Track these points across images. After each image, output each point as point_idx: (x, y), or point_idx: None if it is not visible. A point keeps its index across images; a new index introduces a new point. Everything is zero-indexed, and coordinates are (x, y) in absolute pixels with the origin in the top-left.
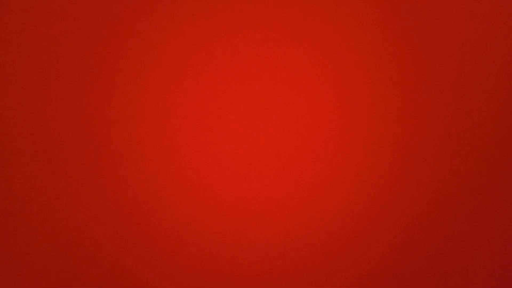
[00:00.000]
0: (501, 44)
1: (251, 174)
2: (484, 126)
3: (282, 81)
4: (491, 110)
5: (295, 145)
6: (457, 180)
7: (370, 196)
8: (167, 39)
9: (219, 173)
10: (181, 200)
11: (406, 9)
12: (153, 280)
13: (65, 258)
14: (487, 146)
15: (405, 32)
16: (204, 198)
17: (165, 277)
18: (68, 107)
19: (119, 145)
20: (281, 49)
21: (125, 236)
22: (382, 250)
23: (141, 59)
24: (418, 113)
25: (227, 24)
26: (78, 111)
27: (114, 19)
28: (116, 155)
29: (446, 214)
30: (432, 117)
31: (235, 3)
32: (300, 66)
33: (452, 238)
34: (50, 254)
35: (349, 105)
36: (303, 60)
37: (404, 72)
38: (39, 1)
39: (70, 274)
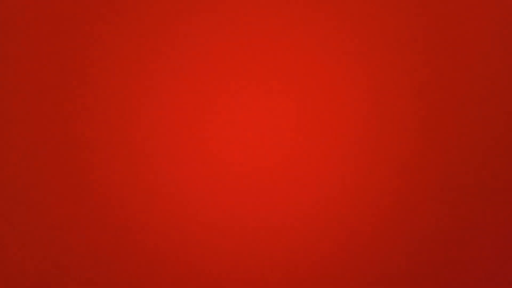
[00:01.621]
0: (506, 44)
1: (250, 174)
2: (490, 127)
3: (283, 81)
4: (495, 110)
5: (296, 147)
6: (466, 181)
7: (376, 199)
8: (164, 38)
9: (216, 175)
10: (178, 203)
11: (410, 7)
12: (152, 280)
13: (59, 261)
14: (493, 147)
15: (410, 32)
16: (202, 200)
17: (159, 282)
18: (61, 107)
19: (112, 146)
20: (280, 48)
21: (119, 241)
22: (390, 254)
23: (136, 59)
24: (426, 113)
25: (225, 23)
26: (72, 111)
27: (110, 18)
28: (108, 156)
29: (455, 215)
30: (440, 117)
31: (233, 1)
32: (301, 65)
33: (460, 240)
34: (42, 256)
35: (353, 106)
36: (304, 59)
37: (410, 72)
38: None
39: (65, 276)
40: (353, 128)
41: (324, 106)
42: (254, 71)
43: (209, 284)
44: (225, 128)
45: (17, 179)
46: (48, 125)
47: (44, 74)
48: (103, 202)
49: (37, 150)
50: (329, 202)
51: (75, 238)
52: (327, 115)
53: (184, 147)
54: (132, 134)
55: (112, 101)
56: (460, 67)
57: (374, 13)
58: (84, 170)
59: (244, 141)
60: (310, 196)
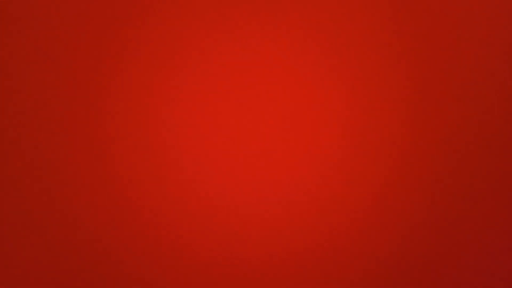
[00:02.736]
0: (503, 44)
1: (250, 172)
2: (485, 127)
3: (281, 81)
4: (492, 111)
5: (295, 145)
6: (460, 180)
7: (371, 195)
8: (167, 39)
9: (218, 171)
10: (181, 199)
11: (407, 7)
12: (153, 278)
13: (65, 256)
14: (488, 146)
15: (406, 31)
16: (203, 195)
17: (164, 275)
18: (70, 107)
19: (120, 144)
20: (279, 49)
21: (125, 235)
22: (383, 250)
23: (141, 59)
24: (420, 112)
25: (226, 24)
26: (80, 111)
27: (113, 20)
28: (116, 154)
29: (448, 214)
30: (434, 116)
31: (233, 3)
32: (299, 65)
33: (453, 238)
34: (51, 253)
35: (350, 105)
36: (303, 59)
37: (405, 72)
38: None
39: (70, 273)
40: (353, 128)
41: (324, 106)
42: (254, 71)
43: (209, 283)
44: (225, 128)
45: (21, 176)
46: (50, 124)
47: (45, 74)
48: (115, 196)
49: (40, 149)
50: (329, 202)
51: (73, 238)
52: (327, 115)
53: (183, 147)
54: (131, 134)
55: (111, 101)
56: (460, 67)
57: (368, 13)
58: (85, 169)
59: (243, 141)
60: (310, 196)
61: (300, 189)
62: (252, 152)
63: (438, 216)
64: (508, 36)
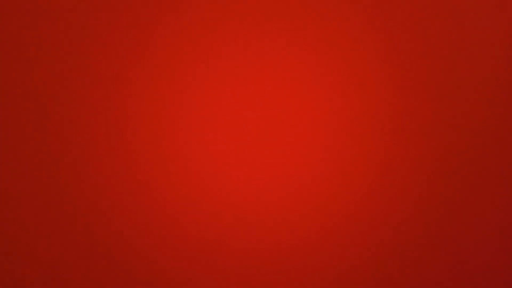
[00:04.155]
0: (492, 47)
1: (249, 175)
2: (476, 126)
3: (273, 83)
4: (483, 110)
5: (288, 144)
6: (448, 179)
7: (361, 194)
8: (169, 41)
9: (215, 175)
10: (177, 203)
11: (396, 10)
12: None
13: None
14: (478, 145)
15: (395, 33)
16: (200, 199)
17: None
18: (58, 108)
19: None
20: (274, 50)
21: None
22: (372, 247)
23: (144, 61)
24: (409, 112)
25: (224, 23)
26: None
27: (109, 17)
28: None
29: (436, 212)
30: (423, 116)
31: (231, 6)
32: (292, 66)
33: (443, 236)
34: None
35: (341, 105)
36: (295, 60)
37: (395, 72)
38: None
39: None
40: (352, 128)
41: (323, 107)
42: (253, 71)
43: (209, 284)
44: (224, 129)
45: (14, 181)
46: (44, 126)
47: (40, 75)
48: (102, 202)
49: (33, 151)
50: (329, 202)
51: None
52: (327, 116)
53: (183, 147)
54: (131, 135)
55: (110, 102)
56: (449, 67)
57: (357, 15)
58: (82, 170)
59: (243, 141)
60: (310, 196)
61: (297, 182)
62: (250, 152)
63: (430, 212)
64: (498, 34)
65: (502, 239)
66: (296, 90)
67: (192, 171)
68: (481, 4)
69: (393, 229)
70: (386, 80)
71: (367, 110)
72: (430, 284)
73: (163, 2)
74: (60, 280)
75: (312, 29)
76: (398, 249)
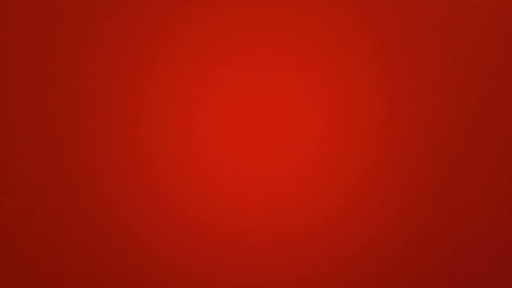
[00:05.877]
0: (490, 47)
1: (248, 175)
2: (469, 126)
3: (268, 84)
4: (477, 111)
5: (287, 141)
6: (438, 176)
7: (356, 189)
8: (168, 43)
9: (215, 176)
10: (177, 203)
11: (390, 11)
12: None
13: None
14: (472, 146)
15: (389, 34)
16: (200, 200)
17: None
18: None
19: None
20: (279, 49)
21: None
22: (367, 242)
23: (134, 59)
24: (403, 111)
25: (224, 23)
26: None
27: (110, 17)
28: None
29: (427, 208)
30: (414, 115)
31: (229, 9)
32: (286, 68)
33: (434, 233)
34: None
35: (338, 103)
36: (289, 63)
37: (390, 73)
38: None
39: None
40: (348, 126)
41: (323, 107)
42: (253, 71)
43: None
44: (224, 128)
45: (17, 177)
46: (45, 125)
47: (41, 74)
48: (102, 202)
49: (35, 150)
50: (329, 202)
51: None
52: (326, 116)
53: (182, 147)
54: (130, 135)
55: (110, 102)
56: (441, 68)
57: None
58: (81, 170)
59: (242, 141)
60: (309, 196)
61: (299, 189)
62: (250, 152)
63: (424, 206)
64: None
65: (498, 237)
66: (295, 90)
67: (195, 168)
68: (480, 4)
69: (387, 225)
70: (381, 80)
71: (363, 108)
72: (424, 279)
73: (170, 8)
74: (68, 275)
75: (310, 32)
76: (392, 244)
